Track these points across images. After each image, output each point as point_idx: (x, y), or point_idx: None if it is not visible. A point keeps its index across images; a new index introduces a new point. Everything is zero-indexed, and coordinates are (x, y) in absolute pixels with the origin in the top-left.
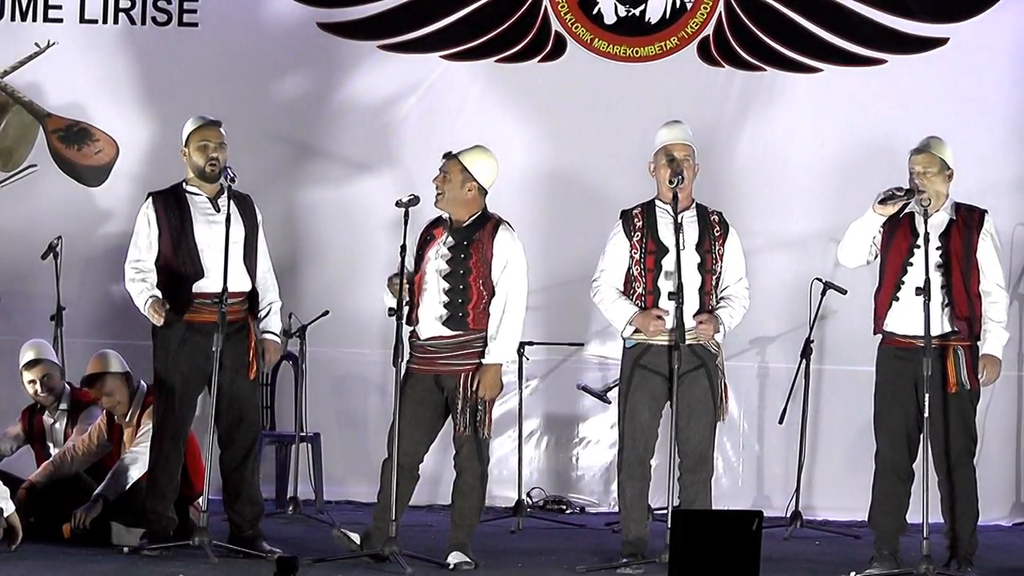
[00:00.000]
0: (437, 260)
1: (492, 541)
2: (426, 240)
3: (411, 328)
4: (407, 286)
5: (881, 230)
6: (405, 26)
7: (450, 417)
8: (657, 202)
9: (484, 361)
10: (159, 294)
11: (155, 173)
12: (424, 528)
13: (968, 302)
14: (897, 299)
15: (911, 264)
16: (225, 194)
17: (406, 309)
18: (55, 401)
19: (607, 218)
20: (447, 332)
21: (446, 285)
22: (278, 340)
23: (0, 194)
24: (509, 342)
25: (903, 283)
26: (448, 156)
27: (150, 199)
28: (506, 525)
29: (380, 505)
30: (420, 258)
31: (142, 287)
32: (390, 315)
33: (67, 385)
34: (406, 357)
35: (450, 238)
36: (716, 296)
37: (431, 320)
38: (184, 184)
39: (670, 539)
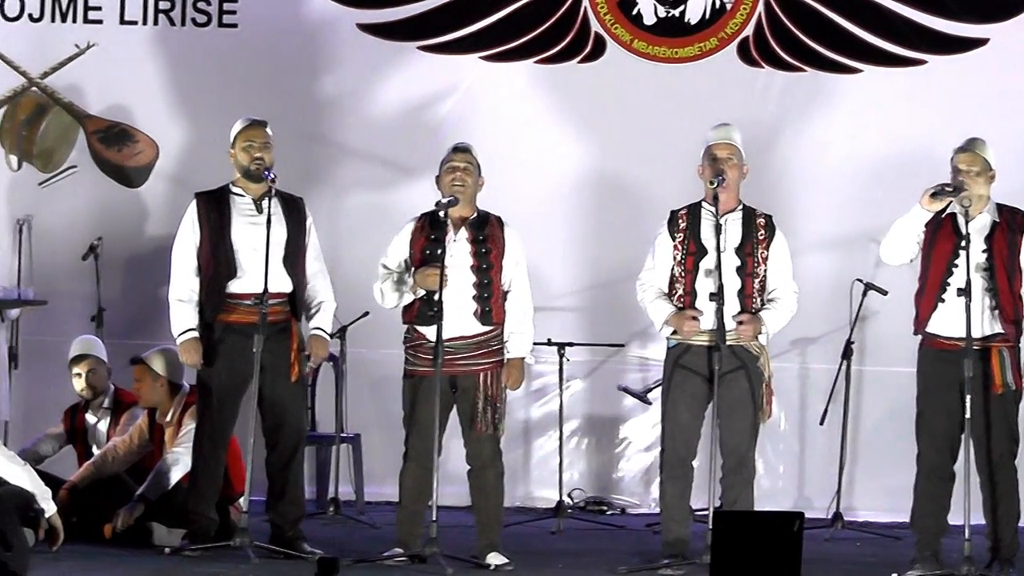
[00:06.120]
0: (461, 256)
1: (532, 542)
2: (431, 240)
3: (414, 330)
4: (418, 290)
5: (924, 231)
6: (444, 27)
7: (455, 414)
8: (703, 203)
9: (511, 355)
10: (197, 331)
11: (195, 174)
12: (464, 529)
13: (1013, 304)
14: (943, 300)
15: (956, 266)
16: (270, 195)
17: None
18: (97, 397)
19: (648, 219)
20: (471, 331)
21: (476, 280)
22: (326, 337)
23: (41, 195)
24: (530, 336)
25: (948, 285)
26: (464, 150)
27: (195, 200)
28: (546, 526)
29: (408, 511)
30: (424, 259)
31: (182, 316)
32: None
33: (112, 385)
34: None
35: (466, 233)
36: (761, 299)
37: (461, 318)
38: (231, 185)
39: (711, 540)
